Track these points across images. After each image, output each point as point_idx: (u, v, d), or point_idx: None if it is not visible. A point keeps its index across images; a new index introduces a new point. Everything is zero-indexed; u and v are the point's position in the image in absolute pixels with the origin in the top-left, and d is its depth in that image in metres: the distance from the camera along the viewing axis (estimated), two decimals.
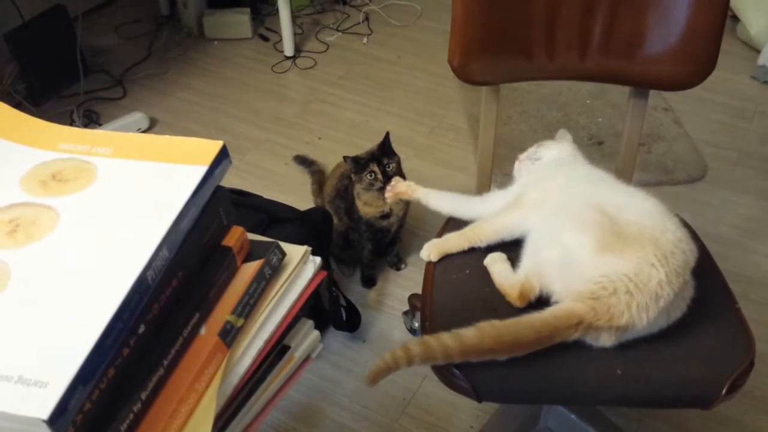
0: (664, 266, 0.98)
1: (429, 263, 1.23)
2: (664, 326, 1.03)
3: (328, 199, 1.92)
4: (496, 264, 1.13)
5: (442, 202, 1.30)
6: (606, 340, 1.01)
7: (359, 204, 1.79)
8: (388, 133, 1.74)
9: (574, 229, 1.04)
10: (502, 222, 1.17)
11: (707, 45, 1.24)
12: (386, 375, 0.97)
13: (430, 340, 0.97)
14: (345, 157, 1.74)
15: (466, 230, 1.21)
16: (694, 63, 1.26)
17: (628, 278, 0.98)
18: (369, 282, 1.95)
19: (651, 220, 1.04)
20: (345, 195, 1.85)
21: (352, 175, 1.76)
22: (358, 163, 1.72)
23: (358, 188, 1.77)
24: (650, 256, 0.99)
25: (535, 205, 1.15)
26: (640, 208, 1.07)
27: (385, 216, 1.81)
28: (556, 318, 0.99)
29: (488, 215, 1.21)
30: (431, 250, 1.22)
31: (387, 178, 1.70)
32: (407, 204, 1.83)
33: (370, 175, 1.71)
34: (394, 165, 1.72)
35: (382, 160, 1.71)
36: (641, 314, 0.98)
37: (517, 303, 1.07)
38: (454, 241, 1.21)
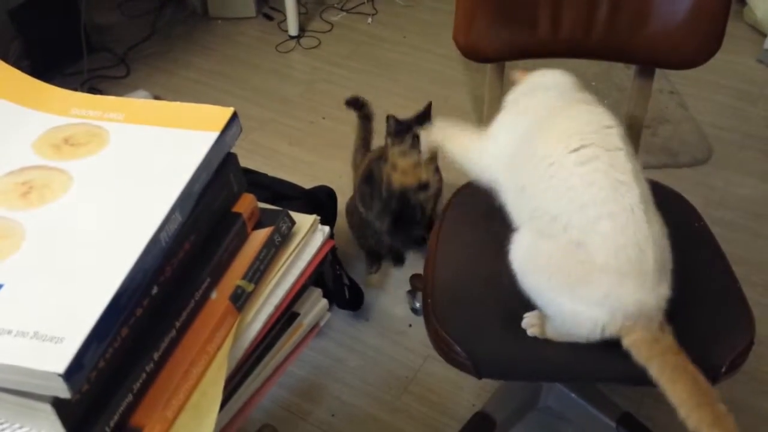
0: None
1: (432, 241, 1.23)
2: None
3: (356, 185, 1.85)
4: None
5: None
6: None
7: (395, 176, 1.69)
8: (430, 104, 1.69)
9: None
10: None
11: (713, 23, 1.23)
12: None
13: None
14: (388, 117, 1.67)
15: None
16: (700, 41, 1.26)
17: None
18: (398, 260, 1.95)
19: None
20: (372, 180, 1.76)
21: (389, 139, 1.68)
22: (401, 124, 1.66)
23: (394, 155, 1.68)
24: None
25: None
26: None
27: (423, 187, 1.71)
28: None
29: None
30: (534, 322, 1.07)
31: None
32: (441, 178, 1.76)
33: (412, 138, 1.64)
34: None
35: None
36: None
37: None
38: None
